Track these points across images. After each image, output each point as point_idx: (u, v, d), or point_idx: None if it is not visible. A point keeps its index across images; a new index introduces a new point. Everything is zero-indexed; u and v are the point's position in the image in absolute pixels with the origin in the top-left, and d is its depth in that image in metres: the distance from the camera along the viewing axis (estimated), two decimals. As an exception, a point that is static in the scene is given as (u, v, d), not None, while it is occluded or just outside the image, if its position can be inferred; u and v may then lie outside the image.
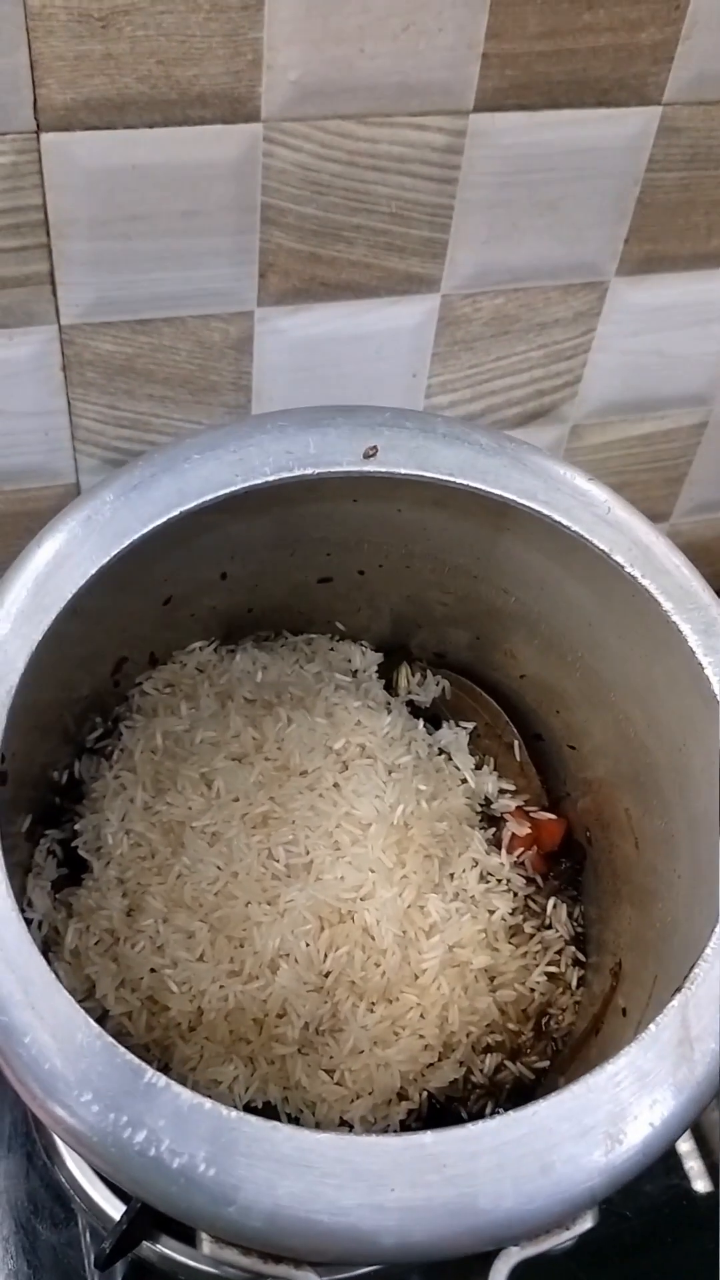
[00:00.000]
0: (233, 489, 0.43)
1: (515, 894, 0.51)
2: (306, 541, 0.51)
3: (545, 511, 0.45)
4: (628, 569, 0.44)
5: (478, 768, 0.55)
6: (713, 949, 0.36)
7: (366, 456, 0.45)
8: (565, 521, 0.45)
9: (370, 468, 0.45)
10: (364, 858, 0.48)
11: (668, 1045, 0.34)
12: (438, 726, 0.56)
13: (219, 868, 0.47)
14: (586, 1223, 0.32)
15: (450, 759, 0.55)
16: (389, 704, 0.55)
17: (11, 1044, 0.32)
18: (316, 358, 0.58)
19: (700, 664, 0.42)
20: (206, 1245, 0.31)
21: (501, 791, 0.54)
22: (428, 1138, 0.32)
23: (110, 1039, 0.32)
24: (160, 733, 0.50)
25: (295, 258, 0.54)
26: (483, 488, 0.45)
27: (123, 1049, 0.32)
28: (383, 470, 0.45)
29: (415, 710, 0.57)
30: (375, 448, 0.45)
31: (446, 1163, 0.31)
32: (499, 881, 0.51)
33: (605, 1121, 0.32)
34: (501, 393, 0.63)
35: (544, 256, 0.58)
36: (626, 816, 0.49)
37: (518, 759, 0.55)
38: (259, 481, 0.44)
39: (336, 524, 0.50)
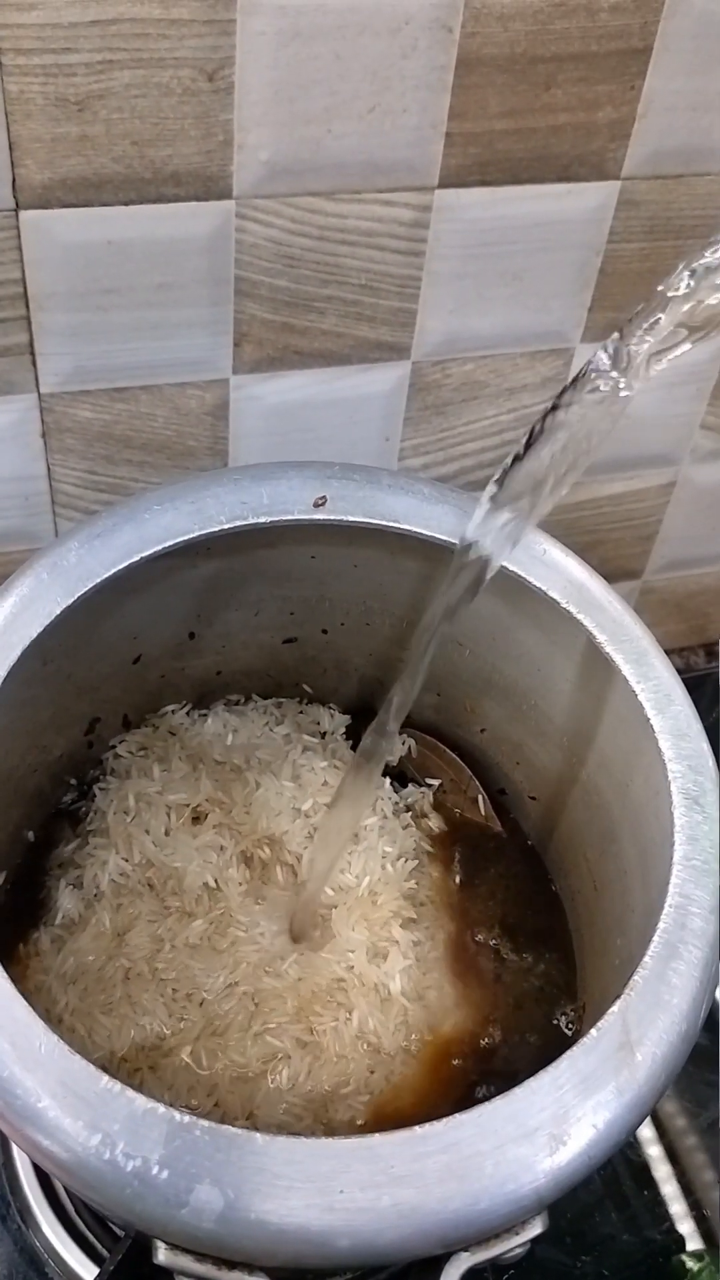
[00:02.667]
0: (190, 536, 0.45)
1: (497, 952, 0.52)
2: (269, 600, 0.53)
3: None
4: (563, 604, 0.45)
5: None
6: (651, 957, 0.36)
7: (316, 505, 0.46)
8: (514, 569, 0.46)
9: (320, 516, 0.47)
10: (337, 945, 0.48)
11: (609, 1049, 0.34)
12: (404, 784, 0.57)
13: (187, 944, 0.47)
14: (536, 1228, 0.32)
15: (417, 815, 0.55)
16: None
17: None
18: (291, 423, 0.59)
19: (633, 690, 0.43)
20: (162, 1253, 0.31)
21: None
22: (375, 1140, 0.32)
23: (67, 1047, 0.32)
24: (133, 794, 0.51)
25: (269, 327, 0.55)
26: (425, 532, 0.47)
27: (79, 1056, 0.32)
28: (332, 518, 0.47)
29: (383, 770, 0.57)
30: (324, 497, 0.46)
31: (394, 1164, 0.31)
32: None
33: (549, 1123, 0.32)
34: (473, 455, 0.65)
35: (510, 324, 0.59)
36: (585, 861, 0.50)
37: (483, 813, 0.56)
38: (215, 529, 0.45)
39: (296, 580, 0.52)
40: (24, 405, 0.54)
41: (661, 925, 0.37)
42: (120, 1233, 0.49)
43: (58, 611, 0.42)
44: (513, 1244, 0.32)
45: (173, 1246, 0.31)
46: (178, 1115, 0.31)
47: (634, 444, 0.68)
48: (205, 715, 0.55)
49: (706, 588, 0.79)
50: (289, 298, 0.55)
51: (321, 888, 0.49)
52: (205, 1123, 0.31)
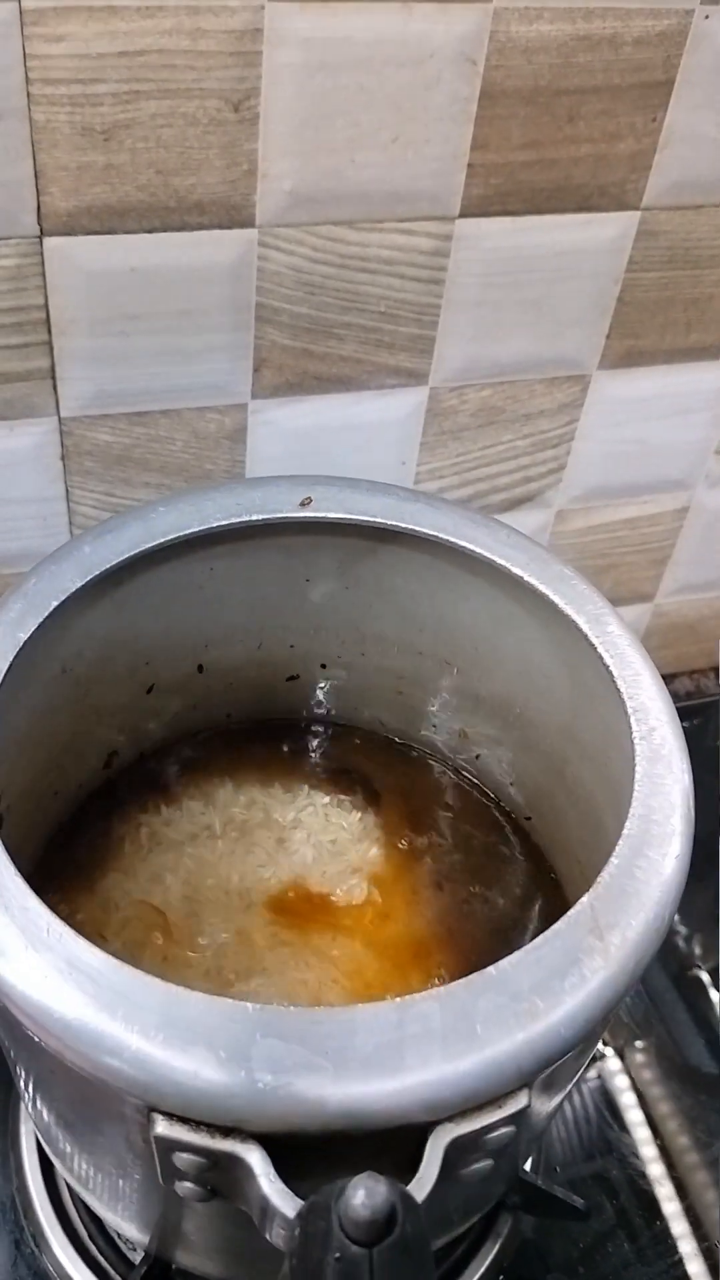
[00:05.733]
0: (189, 531, 0.47)
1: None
2: (271, 630, 0.54)
3: (455, 540, 0.48)
4: (526, 578, 0.47)
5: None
6: (619, 854, 0.38)
7: (302, 505, 0.49)
8: (470, 546, 0.48)
9: (307, 513, 0.49)
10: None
11: (580, 932, 0.35)
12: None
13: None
14: (521, 1100, 0.33)
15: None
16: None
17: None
18: (308, 447, 0.60)
19: (594, 645, 0.44)
20: (160, 1125, 0.32)
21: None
22: (359, 1009, 0.33)
23: (71, 930, 0.34)
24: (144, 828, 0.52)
25: (288, 353, 0.56)
26: (402, 524, 0.49)
27: (83, 938, 0.34)
28: (317, 515, 0.49)
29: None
30: (310, 498, 0.49)
31: (377, 1030, 0.32)
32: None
33: (528, 995, 0.34)
34: (488, 479, 0.65)
35: (528, 352, 0.60)
36: (578, 864, 0.50)
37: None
38: (214, 525, 0.47)
39: (293, 610, 0.53)
40: (45, 428, 0.54)
41: (626, 830, 0.39)
42: (133, 1258, 0.49)
43: (73, 589, 0.43)
44: (497, 1117, 0.33)
45: (169, 1116, 0.32)
46: (174, 987, 0.33)
47: (648, 469, 0.68)
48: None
49: (718, 611, 0.80)
50: (309, 324, 0.55)
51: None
52: (199, 994, 0.32)
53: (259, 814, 0.54)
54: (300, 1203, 0.30)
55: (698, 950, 0.69)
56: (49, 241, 0.49)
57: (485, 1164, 0.34)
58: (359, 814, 0.55)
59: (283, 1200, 0.30)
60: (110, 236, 0.49)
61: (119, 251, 0.50)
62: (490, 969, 0.34)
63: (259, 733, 0.57)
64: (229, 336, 0.54)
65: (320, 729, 0.59)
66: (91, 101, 0.46)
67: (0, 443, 0.54)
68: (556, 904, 0.52)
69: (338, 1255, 0.28)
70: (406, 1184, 0.30)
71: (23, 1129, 0.54)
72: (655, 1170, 0.58)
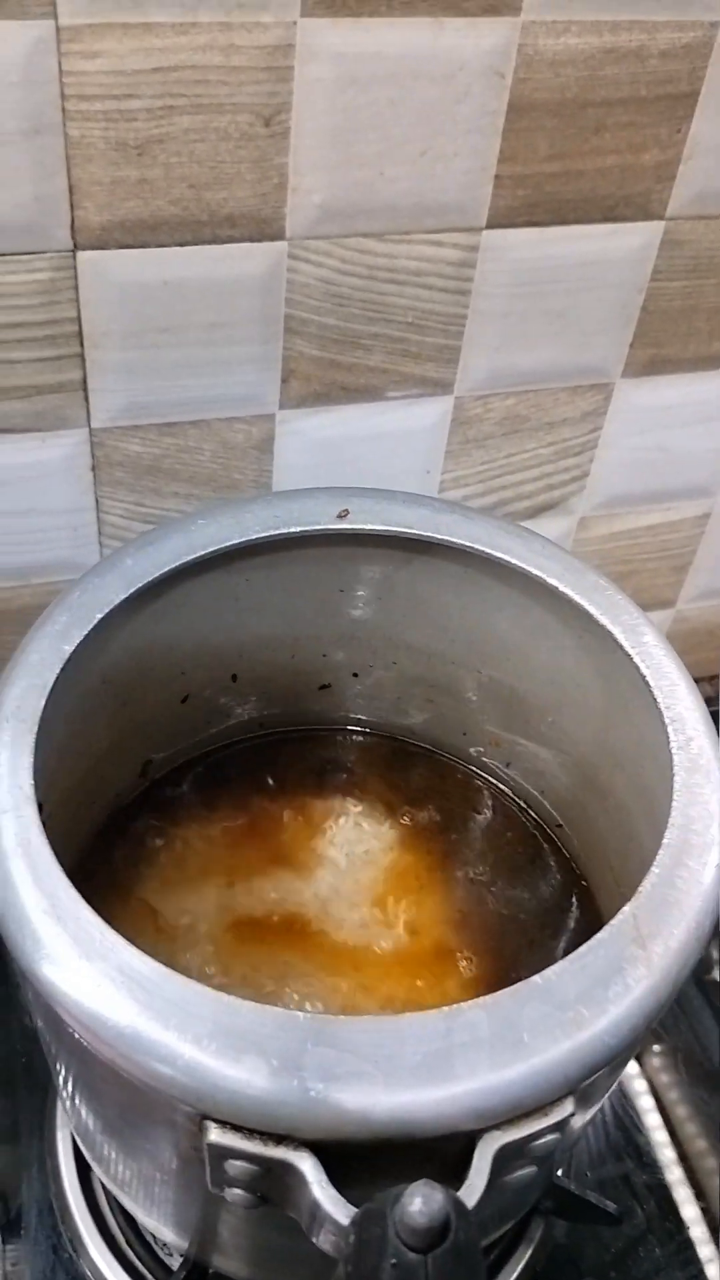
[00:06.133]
0: (230, 543, 0.48)
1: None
2: (305, 639, 0.54)
3: (490, 551, 0.49)
4: (561, 588, 0.47)
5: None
6: (659, 864, 0.38)
7: (340, 517, 0.49)
8: (504, 556, 0.48)
9: (345, 525, 0.49)
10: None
11: (623, 942, 0.36)
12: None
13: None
14: (566, 1108, 0.33)
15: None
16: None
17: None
18: (334, 456, 0.60)
19: (629, 655, 0.44)
20: (212, 1132, 0.32)
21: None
22: (408, 1018, 0.33)
23: (121, 938, 0.34)
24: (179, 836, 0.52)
25: (316, 364, 0.56)
26: (438, 535, 0.49)
27: (134, 946, 0.34)
28: (355, 527, 0.50)
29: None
30: (347, 510, 0.50)
31: (426, 1039, 0.33)
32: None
33: (574, 1004, 0.34)
34: (512, 487, 0.65)
35: (553, 361, 0.60)
36: (611, 870, 0.51)
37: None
38: (253, 537, 0.48)
39: (327, 619, 0.54)
40: (76, 440, 0.55)
41: (666, 840, 0.39)
42: (171, 1263, 0.50)
43: (117, 601, 0.44)
44: (543, 1125, 0.33)
45: (221, 1124, 0.32)
46: (225, 996, 0.33)
47: (669, 477, 0.69)
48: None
49: (739, 617, 0.80)
50: (337, 335, 0.55)
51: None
52: (250, 1003, 0.33)
53: (292, 821, 0.54)
54: (353, 1210, 0.30)
55: (715, 954, 0.70)
56: (82, 255, 0.49)
57: (529, 1170, 0.34)
58: (390, 822, 0.56)
59: (335, 1207, 0.31)
60: (143, 250, 0.50)
61: (151, 265, 0.50)
62: (536, 978, 0.35)
63: (291, 740, 0.58)
64: (258, 348, 0.54)
65: (352, 737, 0.59)
66: (126, 117, 0.46)
67: (32, 454, 0.55)
68: (588, 911, 0.52)
69: (394, 1261, 0.28)
70: (455, 1190, 0.31)
71: (59, 1134, 0.54)
72: (675, 1174, 0.58)
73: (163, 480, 0.58)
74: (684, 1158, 0.59)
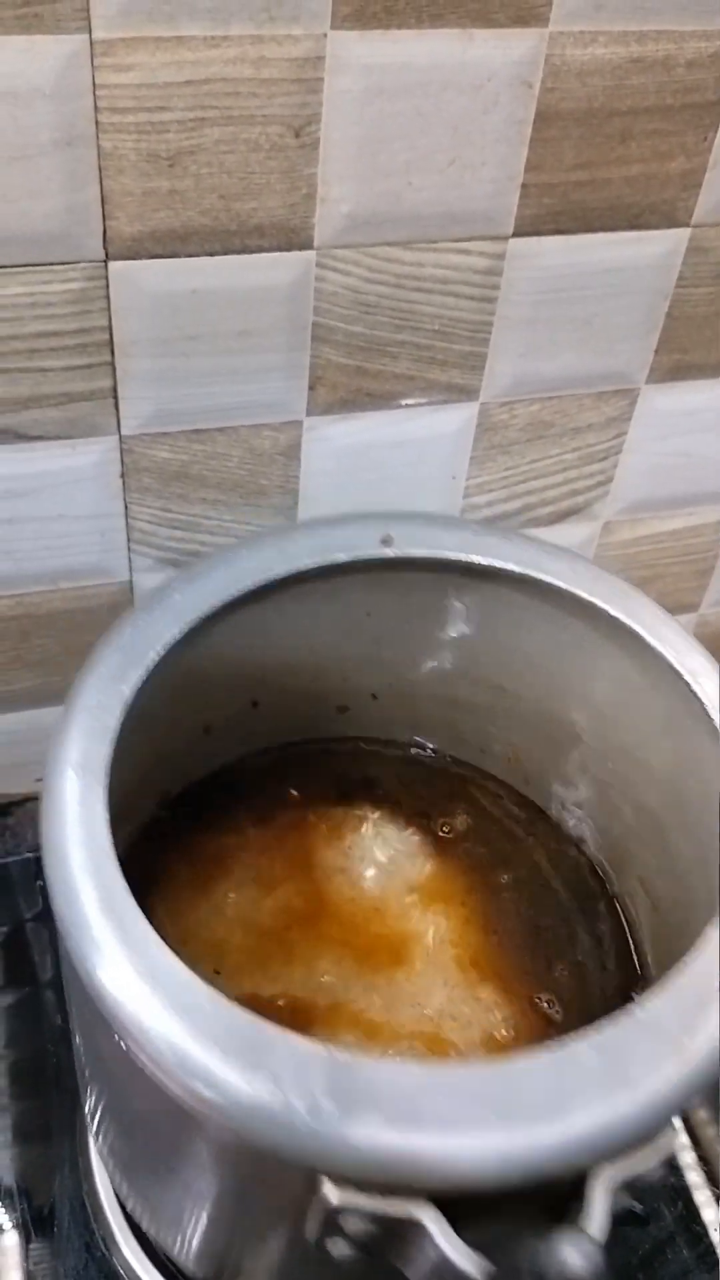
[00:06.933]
0: (277, 574, 0.48)
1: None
2: (326, 663, 0.55)
3: (533, 574, 0.49)
4: (611, 611, 0.48)
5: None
6: None
7: (384, 543, 0.50)
8: (549, 579, 0.49)
9: (389, 552, 0.50)
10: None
11: (711, 962, 0.36)
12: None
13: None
14: (670, 1137, 0.34)
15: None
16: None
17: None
18: (360, 462, 0.61)
19: (683, 677, 0.45)
20: (330, 1192, 0.32)
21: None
22: (517, 1062, 0.33)
23: (224, 998, 0.34)
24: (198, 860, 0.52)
25: (343, 371, 0.56)
26: (479, 560, 0.50)
27: (239, 1006, 0.34)
28: (399, 554, 0.50)
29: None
30: (390, 535, 0.50)
31: (537, 1079, 0.33)
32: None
33: (676, 1032, 0.34)
34: (536, 493, 0.66)
35: (578, 367, 0.60)
36: (642, 885, 0.51)
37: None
38: (301, 567, 0.49)
39: (351, 644, 0.54)
40: (106, 446, 0.56)
41: None
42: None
43: (171, 638, 0.44)
44: (652, 1159, 0.33)
45: (339, 1183, 0.32)
46: (338, 1054, 0.33)
47: (692, 481, 0.69)
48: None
49: (761, 621, 0.80)
50: (364, 343, 0.56)
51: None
52: (365, 1058, 0.33)
53: (311, 839, 0.54)
54: (486, 1264, 0.30)
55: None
56: (114, 265, 0.50)
57: (629, 1202, 0.35)
58: (411, 831, 0.56)
59: (466, 1261, 0.30)
60: (173, 260, 0.50)
61: (181, 274, 0.51)
62: (636, 1009, 0.35)
63: (306, 760, 0.58)
64: (286, 356, 0.55)
65: (369, 754, 0.59)
66: (158, 129, 0.47)
67: (63, 461, 0.55)
68: (611, 915, 0.53)
69: None
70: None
71: (91, 1133, 0.55)
72: (694, 1178, 0.58)
73: (190, 486, 0.59)
74: (704, 1160, 0.59)
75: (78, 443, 0.55)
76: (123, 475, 0.57)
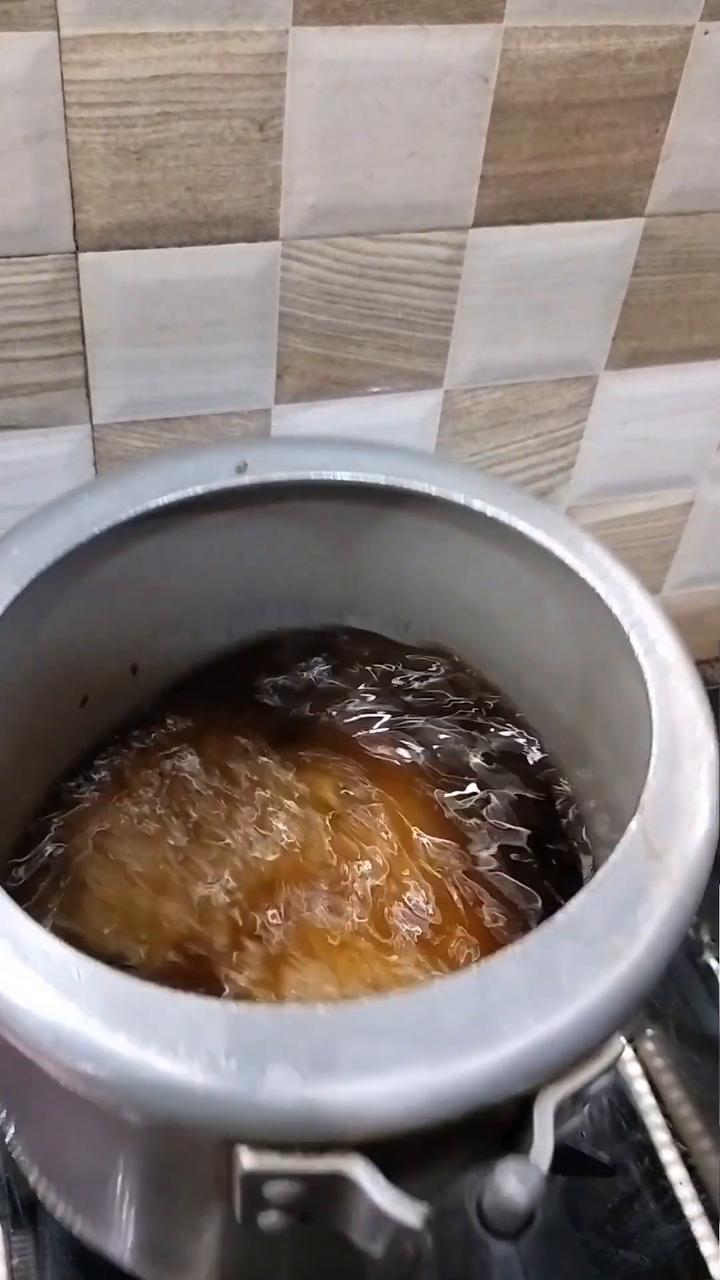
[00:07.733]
0: (124, 516, 0.45)
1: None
2: (206, 615, 0.52)
3: (406, 485, 0.47)
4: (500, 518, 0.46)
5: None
6: (654, 774, 0.36)
7: (238, 470, 0.47)
8: (427, 489, 0.47)
9: (245, 480, 0.47)
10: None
11: (637, 860, 0.33)
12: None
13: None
14: (616, 1047, 0.31)
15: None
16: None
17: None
18: (328, 449, 0.62)
19: (572, 569, 0.45)
20: (246, 1158, 0.28)
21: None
22: (437, 987, 0.30)
23: (105, 967, 0.31)
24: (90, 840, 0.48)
25: (310, 360, 0.58)
26: (344, 476, 0.48)
27: (120, 973, 0.31)
28: (255, 481, 0.47)
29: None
30: (245, 462, 0.47)
31: (461, 1005, 0.30)
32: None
33: (605, 935, 0.32)
34: (501, 478, 0.67)
35: (538, 354, 0.62)
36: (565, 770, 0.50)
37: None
38: (151, 506, 0.46)
39: (230, 589, 0.51)
40: (78, 435, 0.57)
41: (656, 748, 0.37)
42: None
43: (7, 600, 0.41)
44: (597, 1070, 0.30)
45: (255, 1147, 0.28)
46: (234, 1007, 0.30)
47: (652, 466, 0.71)
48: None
49: (722, 603, 0.82)
50: (330, 332, 0.57)
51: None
52: (264, 1007, 0.30)
53: (217, 802, 0.51)
54: (423, 1208, 0.27)
55: (705, 938, 0.71)
56: (84, 257, 0.51)
57: (577, 1120, 0.33)
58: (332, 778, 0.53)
59: (403, 1209, 0.27)
60: (142, 251, 0.52)
61: (150, 265, 0.52)
62: (559, 916, 0.32)
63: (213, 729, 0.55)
64: (254, 345, 0.56)
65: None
66: (125, 123, 0.48)
67: (35, 450, 0.57)
68: (550, 819, 0.51)
69: (482, 1256, 0.26)
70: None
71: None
72: (662, 1137, 0.60)
73: (162, 474, 0.60)
74: (668, 1117, 0.61)
75: (50, 431, 0.56)
76: (95, 464, 0.58)
